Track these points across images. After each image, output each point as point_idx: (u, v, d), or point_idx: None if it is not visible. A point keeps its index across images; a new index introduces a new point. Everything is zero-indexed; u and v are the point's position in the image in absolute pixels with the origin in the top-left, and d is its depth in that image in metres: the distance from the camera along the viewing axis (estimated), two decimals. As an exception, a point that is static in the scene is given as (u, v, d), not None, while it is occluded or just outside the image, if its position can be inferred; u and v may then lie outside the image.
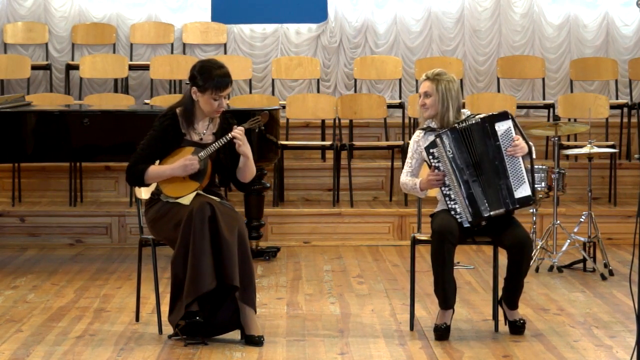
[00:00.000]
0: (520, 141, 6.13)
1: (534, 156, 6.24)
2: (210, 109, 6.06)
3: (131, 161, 6.11)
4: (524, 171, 6.15)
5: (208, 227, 5.87)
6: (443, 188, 6.18)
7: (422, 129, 6.34)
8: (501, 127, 6.15)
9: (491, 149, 6.14)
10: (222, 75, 6.02)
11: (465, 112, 6.30)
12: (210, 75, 6.00)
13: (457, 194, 6.16)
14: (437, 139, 6.14)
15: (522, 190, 6.14)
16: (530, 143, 6.21)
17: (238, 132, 5.99)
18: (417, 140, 6.34)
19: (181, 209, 5.96)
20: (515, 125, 6.17)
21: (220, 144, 6.02)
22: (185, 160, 6.00)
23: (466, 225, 6.16)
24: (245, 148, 6.04)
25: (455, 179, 6.15)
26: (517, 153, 6.12)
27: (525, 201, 6.15)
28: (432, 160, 6.18)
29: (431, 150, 6.17)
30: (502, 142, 6.13)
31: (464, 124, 6.16)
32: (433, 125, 6.29)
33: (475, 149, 6.13)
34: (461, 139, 6.13)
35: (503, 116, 6.17)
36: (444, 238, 6.08)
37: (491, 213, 6.14)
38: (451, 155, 6.13)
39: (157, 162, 6.10)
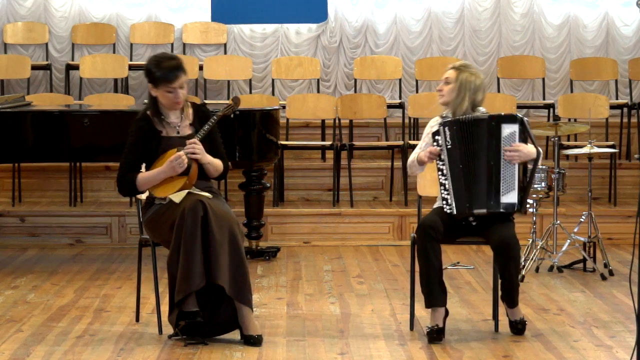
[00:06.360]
0: (520, 148, 6.07)
1: (539, 163, 6.19)
2: (167, 102, 6.07)
3: (119, 173, 6.11)
4: (515, 179, 6.09)
5: (200, 227, 5.87)
6: (440, 176, 6.19)
7: (441, 116, 6.35)
8: (506, 129, 6.09)
9: (491, 148, 6.10)
10: (170, 67, 6.01)
11: (481, 109, 6.28)
12: (158, 69, 6.02)
13: (449, 184, 6.16)
14: (441, 128, 6.15)
15: (509, 197, 6.09)
16: (539, 149, 6.14)
17: (190, 149, 5.99)
18: (433, 126, 6.34)
19: (175, 210, 5.95)
20: (524, 130, 6.09)
21: (200, 137, 6.04)
22: (171, 162, 5.98)
23: (454, 213, 6.16)
24: (202, 157, 6.03)
25: (449, 170, 6.15)
26: (513, 160, 6.08)
27: (510, 208, 6.11)
28: (435, 146, 6.20)
29: (436, 137, 6.19)
30: (503, 144, 6.08)
31: (466, 118, 6.14)
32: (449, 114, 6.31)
33: (474, 144, 6.12)
34: (462, 132, 6.11)
35: (511, 119, 6.11)
36: (426, 232, 6.08)
37: (474, 211, 6.14)
38: (449, 146, 6.13)
39: (144, 165, 6.11)
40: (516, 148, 6.07)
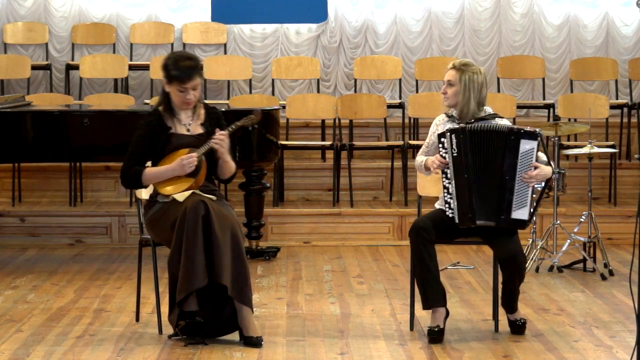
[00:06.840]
0: (539, 171, 6.03)
1: (550, 181, 6.16)
2: (178, 100, 6.08)
3: (124, 165, 6.11)
4: (529, 195, 6.05)
5: (201, 226, 5.87)
6: (444, 179, 6.16)
7: (446, 114, 6.31)
8: (525, 145, 6.01)
9: (507, 163, 6.03)
10: (186, 67, 6.02)
11: (487, 109, 6.24)
12: (175, 67, 6.02)
13: (453, 189, 6.14)
14: (447, 132, 6.10)
15: (520, 213, 6.05)
16: (552, 165, 6.12)
17: (218, 139, 6.01)
18: (438, 124, 6.31)
19: (177, 209, 5.95)
20: (541, 144, 6.06)
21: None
22: (181, 161, 5.98)
23: (456, 221, 6.15)
24: (224, 152, 6.07)
25: (453, 176, 6.12)
26: (530, 182, 6.04)
27: (519, 224, 6.08)
28: (440, 149, 6.15)
29: (442, 140, 6.14)
30: (521, 160, 6.02)
31: (478, 127, 6.08)
32: (454, 114, 6.26)
33: (486, 155, 6.06)
34: (471, 142, 6.06)
35: (531, 135, 6.02)
36: (417, 234, 6.08)
37: (478, 222, 6.11)
38: (455, 154, 6.08)
39: (149, 162, 6.11)
40: (536, 172, 6.01)
